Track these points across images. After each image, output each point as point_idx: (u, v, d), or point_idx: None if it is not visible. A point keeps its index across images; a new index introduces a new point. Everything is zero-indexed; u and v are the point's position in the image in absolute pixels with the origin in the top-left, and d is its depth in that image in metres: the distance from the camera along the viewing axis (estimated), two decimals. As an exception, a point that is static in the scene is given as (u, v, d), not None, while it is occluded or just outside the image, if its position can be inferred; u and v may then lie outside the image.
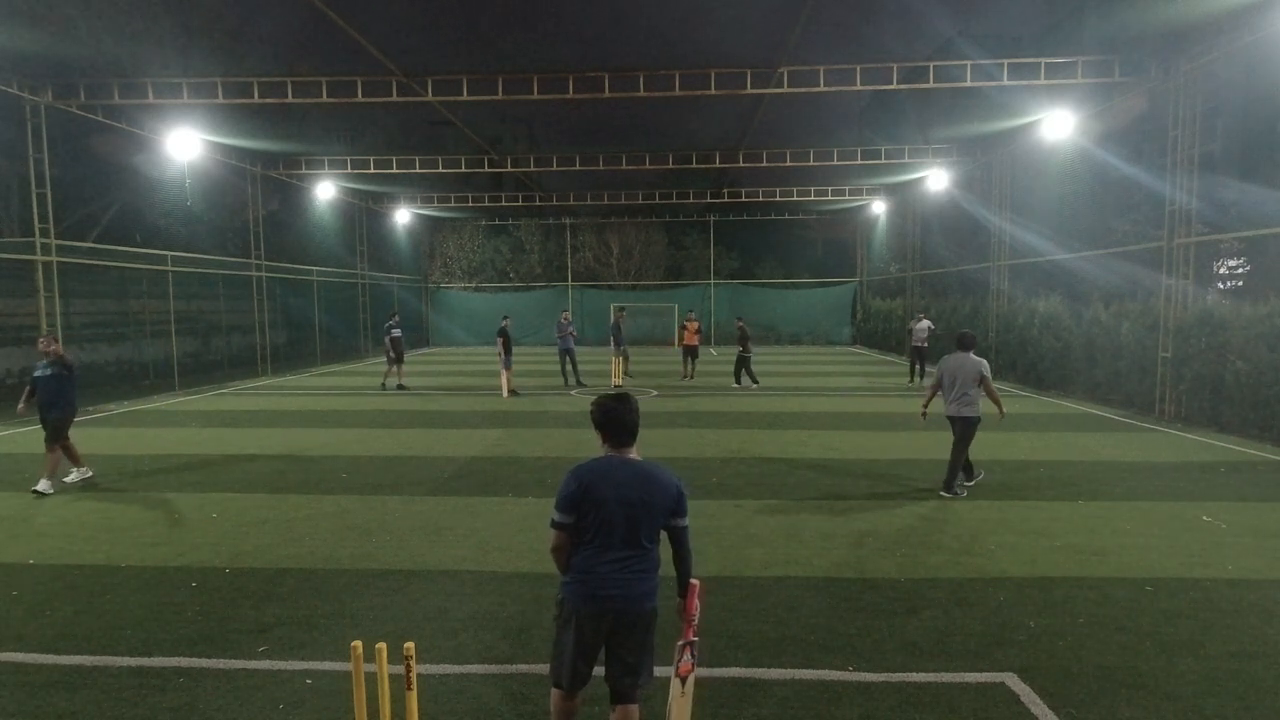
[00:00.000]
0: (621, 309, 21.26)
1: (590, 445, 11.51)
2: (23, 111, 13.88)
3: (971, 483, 8.11)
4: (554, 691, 3.17)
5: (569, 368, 17.81)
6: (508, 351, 16.13)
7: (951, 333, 21.63)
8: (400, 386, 17.49)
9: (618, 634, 3.03)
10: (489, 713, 3.74)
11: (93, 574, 5.64)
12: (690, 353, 19.29)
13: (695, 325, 19.63)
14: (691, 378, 18.99)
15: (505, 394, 15.90)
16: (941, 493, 7.77)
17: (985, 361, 7.74)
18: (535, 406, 14.51)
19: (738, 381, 17.71)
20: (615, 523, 2.97)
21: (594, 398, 3.23)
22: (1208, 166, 20.15)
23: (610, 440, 3.12)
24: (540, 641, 4.44)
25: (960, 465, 7.80)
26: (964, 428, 7.64)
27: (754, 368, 17.94)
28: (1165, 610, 4.91)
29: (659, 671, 3.29)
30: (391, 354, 17.44)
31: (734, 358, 18.13)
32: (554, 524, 3.06)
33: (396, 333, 17.45)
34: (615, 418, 3.09)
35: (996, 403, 7.67)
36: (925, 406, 8.13)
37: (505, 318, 16.86)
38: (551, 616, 3.17)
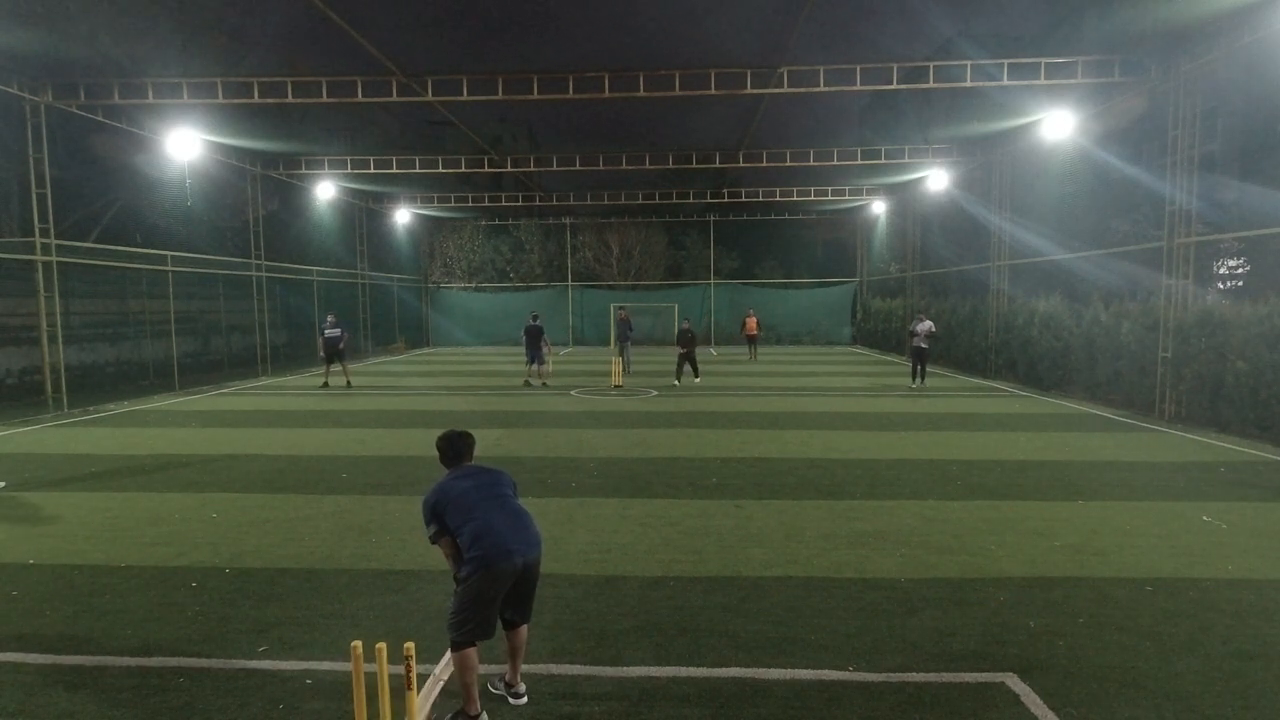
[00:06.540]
0: (622, 308, 21.87)
1: (590, 445, 11.41)
2: (23, 111, 13.88)
3: None
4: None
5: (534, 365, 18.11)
6: (536, 346, 17.23)
7: (953, 333, 21.77)
8: (336, 384, 17.81)
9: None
10: (489, 711, 3.74)
11: (92, 574, 5.64)
12: (752, 341, 24.42)
13: (755, 321, 24.42)
14: (754, 360, 23.52)
15: (542, 382, 17.43)
16: None
17: None
18: (535, 406, 14.52)
19: (678, 379, 18.15)
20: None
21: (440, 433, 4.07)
22: (1208, 166, 20.14)
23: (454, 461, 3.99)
24: (538, 640, 4.45)
25: None
26: None
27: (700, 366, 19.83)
28: (1165, 610, 4.91)
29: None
30: (321, 354, 18.06)
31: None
32: None
33: (329, 333, 17.67)
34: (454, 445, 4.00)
35: None
36: None
37: (535, 316, 17.93)
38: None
